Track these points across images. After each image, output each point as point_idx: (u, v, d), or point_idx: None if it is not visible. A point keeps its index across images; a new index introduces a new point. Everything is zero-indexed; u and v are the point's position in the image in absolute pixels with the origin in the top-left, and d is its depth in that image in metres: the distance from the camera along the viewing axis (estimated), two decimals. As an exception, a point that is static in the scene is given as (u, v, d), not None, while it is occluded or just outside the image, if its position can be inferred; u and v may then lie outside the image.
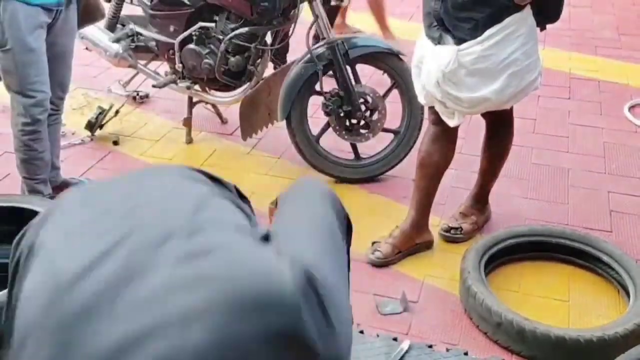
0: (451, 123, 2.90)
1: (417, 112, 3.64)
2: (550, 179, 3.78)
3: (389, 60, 3.63)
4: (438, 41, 2.80)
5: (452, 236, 3.25)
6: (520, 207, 3.51)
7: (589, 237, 3.06)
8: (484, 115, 3.10)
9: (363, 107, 3.62)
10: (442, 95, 2.82)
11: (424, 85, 2.91)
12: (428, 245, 3.19)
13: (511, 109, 3.05)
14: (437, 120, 2.96)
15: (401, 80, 3.62)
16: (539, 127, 4.33)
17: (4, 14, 2.90)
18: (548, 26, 2.90)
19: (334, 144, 3.82)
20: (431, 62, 2.83)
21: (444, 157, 3.04)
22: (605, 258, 2.96)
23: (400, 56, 3.62)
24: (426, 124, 3.67)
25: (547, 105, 4.60)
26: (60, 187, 3.46)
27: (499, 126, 3.13)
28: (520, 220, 3.36)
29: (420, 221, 3.14)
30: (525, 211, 3.48)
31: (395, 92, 3.74)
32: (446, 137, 3.00)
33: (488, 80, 2.76)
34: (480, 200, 3.32)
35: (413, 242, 3.14)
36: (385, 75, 3.73)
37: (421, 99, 3.00)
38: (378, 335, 2.58)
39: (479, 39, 2.70)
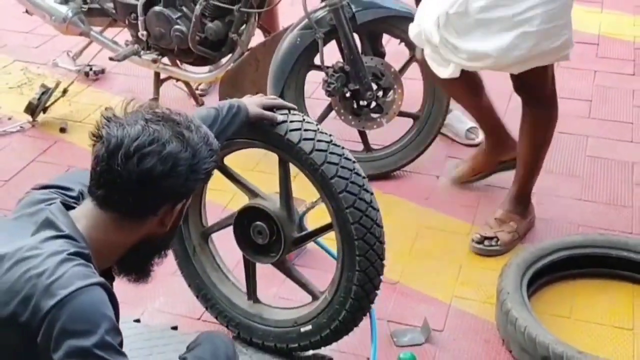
0: (442, 74, 3.08)
1: (443, 92, 3.64)
2: (610, 176, 3.79)
3: (406, 27, 3.58)
4: None
5: (487, 248, 3.27)
6: (572, 212, 3.53)
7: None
8: (517, 90, 3.19)
9: (374, 86, 3.63)
10: (440, 40, 2.98)
11: (420, 21, 3.04)
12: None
13: (552, 83, 3.13)
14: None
15: (422, 51, 3.62)
16: (596, 110, 4.34)
17: None
18: None
19: (338, 131, 3.80)
20: None
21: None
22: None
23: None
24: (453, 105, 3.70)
25: (606, 82, 4.60)
26: None
27: (536, 105, 3.20)
28: (572, 228, 3.39)
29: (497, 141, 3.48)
30: (578, 216, 3.49)
31: (414, 67, 3.73)
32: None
33: (494, 35, 2.89)
34: (520, 201, 3.34)
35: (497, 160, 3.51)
36: (403, 45, 3.73)
37: (411, 34, 3.15)
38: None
39: None
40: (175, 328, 2.85)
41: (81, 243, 1.76)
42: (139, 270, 1.95)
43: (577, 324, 2.93)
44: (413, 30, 3.15)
